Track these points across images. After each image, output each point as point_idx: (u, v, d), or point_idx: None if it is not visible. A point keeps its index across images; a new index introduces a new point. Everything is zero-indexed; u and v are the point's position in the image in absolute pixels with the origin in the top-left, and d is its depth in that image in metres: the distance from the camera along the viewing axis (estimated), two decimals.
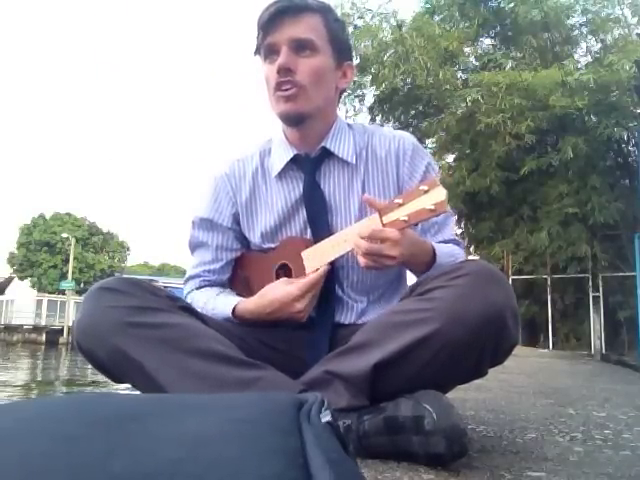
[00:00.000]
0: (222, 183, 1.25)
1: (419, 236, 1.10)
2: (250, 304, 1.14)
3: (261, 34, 1.12)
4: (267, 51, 1.13)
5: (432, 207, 0.96)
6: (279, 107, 1.13)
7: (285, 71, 1.09)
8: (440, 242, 1.17)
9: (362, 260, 1.01)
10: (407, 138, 1.22)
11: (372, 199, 1.06)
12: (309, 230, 1.18)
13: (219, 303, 1.18)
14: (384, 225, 1.00)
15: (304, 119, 1.14)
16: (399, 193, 1.16)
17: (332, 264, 1.11)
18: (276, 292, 1.10)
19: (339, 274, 1.16)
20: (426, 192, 0.97)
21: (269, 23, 1.10)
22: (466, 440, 0.86)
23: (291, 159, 1.18)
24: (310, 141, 1.18)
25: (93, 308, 0.98)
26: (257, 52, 1.17)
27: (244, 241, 1.26)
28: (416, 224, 1.04)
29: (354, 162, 1.18)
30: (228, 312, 1.15)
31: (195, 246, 1.28)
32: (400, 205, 0.99)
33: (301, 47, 1.11)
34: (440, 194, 0.95)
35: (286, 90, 1.10)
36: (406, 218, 0.98)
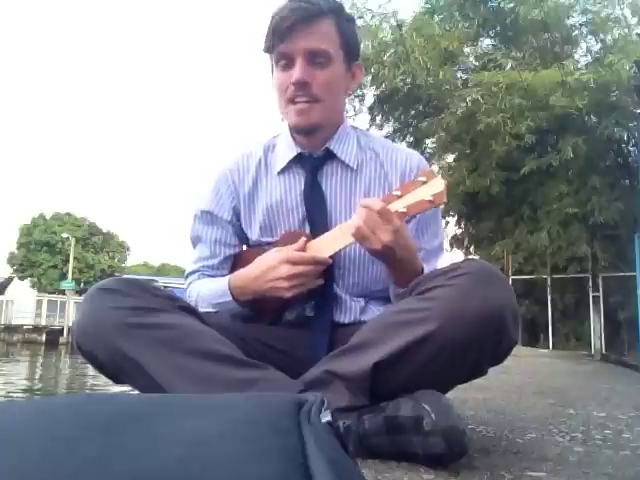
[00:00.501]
0: (224, 177, 1.26)
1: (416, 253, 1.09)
2: (241, 270, 1.16)
3: (274, 39, 1.11)
4: (281, 58, 1.12)
5: (431, 198, 0.96)
6: (292, 118, 1.14)
7: (302, 85, 1.10)
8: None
9: (353, 230, 1.01)
10: (415, 155, 1.24)
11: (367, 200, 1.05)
12: (307, 228, 1.18)
13: (214, 284, 1.20)
14: None
15: (316, 130, 1.16)
16: None
17: (332, 257, 1.11)
18: (266, 255, 1.11)
19: (335, 275, 1.16)
20: (424, 183, 0.97)
21: (284, 30, 1.09)
22: (465, 440, 0.86)
23: (294, 157, 1.19)
24: (316, 143, 1.19)
25: (93, 309, 0.98)
26: (268, 52, 1.16)
27: (243, 238, 1.27)
28: (414, 215, 1.04)
29: (355, 167, 1.19)
30: (224, 284, 1.16)
31: (195, 240, 1.29)
32: (399, 197, 0.99)
33: (316, 58, 1.11)
34: (438, 185, 0.96)
35: (301, 103, 1.11)
36: (404, 210, 0.98)
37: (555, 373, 4.39)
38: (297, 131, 1.18)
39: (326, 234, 1.11)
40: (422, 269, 1.08)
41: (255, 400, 0.44)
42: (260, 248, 1.23)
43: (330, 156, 1.19)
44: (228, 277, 1.18)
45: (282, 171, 1.21)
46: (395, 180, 1.19)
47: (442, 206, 1.10)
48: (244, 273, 1.15)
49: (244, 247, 1.29)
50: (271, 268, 1.08)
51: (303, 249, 1.10)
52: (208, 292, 1.19)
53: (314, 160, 1.19)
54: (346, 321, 1.16)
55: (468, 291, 0.90)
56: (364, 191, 1.18)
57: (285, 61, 1.12)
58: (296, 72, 1.10)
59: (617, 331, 8.88)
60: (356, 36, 1.22)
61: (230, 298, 1.15)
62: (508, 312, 0.91)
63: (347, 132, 1.21)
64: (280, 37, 1.10)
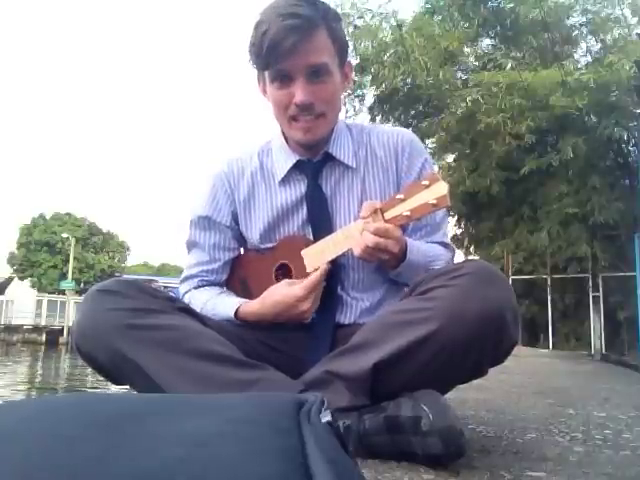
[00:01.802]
0: (220, 181, 1.24)
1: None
2: (253, 306, 1.13)
3: (271, 58, 1.06)
4: (278, 75, 1.09)
5: (434, 202, 0.96)
6: (297, 135, 1.13)
7: (306, 106, 1.09)
8: (428, 243, 1.18)
9: (358, 252, 1.02)
10: (405, 134, 1.23)
11: (369, 203, 1.05)
12: (310, 231, 1.18)
13: (220, 304, 1.18)
14: (386, 221, 1.01)
15: (320, 143, 1.16)
16: (398, 189, 1.16)
17: (333, 263, 1.11)
18: (279, 294, 1.09)
19: (341, 273, 1.16)
20: (427, 187, 0.97)
21: (283, 50, 1.04)
22: (463, 441, 0.86)
23: (294, 164, 1.19)
24: (316, 150, 1.18)
25: (92, 311, 0.98)
26: (261, 69, 1.13)
27: (242, 241, 1.26)
28: (418, 219, 1.04)
29: (354, 165, 1.18)
30: (230, 313, 1.14)
31: (192, 246, 1.27)
32: (402, 201, 1.00)
33: (316, 73, 1.09)
34: (441, 188, 0.96)
35: (305, 122, 1.10)
36: (408, 213, 0.99)
37: (555, 373, 4.39)
38: (302, 147, 1.17)
39: (328, 238, 1.11)
40: (405, 243, 1.07)
41: (255, 400, 0.44)
42: (259, 253, 1.23)
43: (329, 158, 1.18)
44: (235, 307, 1.14)
45: (283, 180, 1.20)
46: (391, 163, 1.19)
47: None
48: (257, 311, 1.12)
49: (242, 250, 1.28)
50: (290, 306, 1.08)
51: (304, 267, 1.11)
52: (213, 313, 1.16)
53: (314, 165, 1.18)
54: (347, 322, 1.16)
55: (468, 291, 0.90)
56: (363, 186, 1.18)
57: (283, 77, 1.09)
58: (299, 94, 1.07)
59: (617, 331, 8.88)
60: (344, 35, 1.20)
61: (237, 323, 1.14)
62: (508, 312, 0.91)
63: (341, 131, 1.21)
64: (277, 57, 1.06)
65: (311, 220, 1.18)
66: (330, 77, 1.11)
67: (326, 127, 1.14)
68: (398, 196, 1.00)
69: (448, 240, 1.25)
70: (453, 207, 9.30)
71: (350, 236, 1.05)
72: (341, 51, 1.15)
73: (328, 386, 0.95)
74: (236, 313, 1.14)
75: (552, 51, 8.16)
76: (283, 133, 1.21)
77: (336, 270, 1.14)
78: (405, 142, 1.20)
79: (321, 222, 1.16)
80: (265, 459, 0.33)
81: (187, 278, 1.28)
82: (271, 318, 1.11)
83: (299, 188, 1.19)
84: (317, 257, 1.11)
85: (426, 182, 0.97)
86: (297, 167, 1.19)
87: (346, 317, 1.16)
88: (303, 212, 1.18)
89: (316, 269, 1.10)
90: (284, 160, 1.20)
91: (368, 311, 1.17)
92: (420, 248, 1.11)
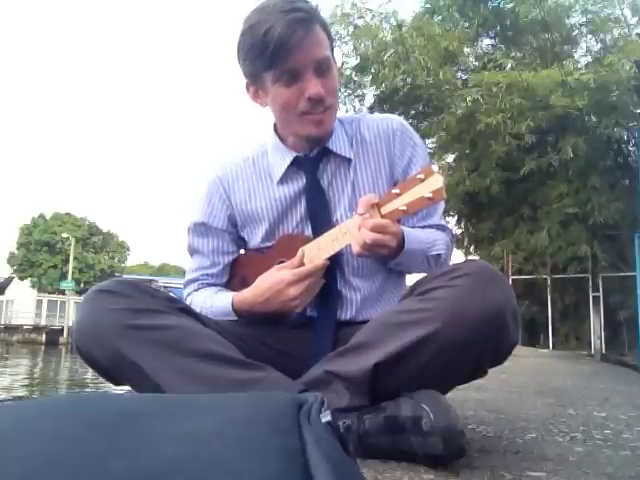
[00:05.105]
0: (215, 186, 1.25)
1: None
2: (246, 294, 1.15)
3: (279, 56, 1.05)
4: (284, 74, 1.08)
5: (430, 195, 0.96)
6: (308, 130, 1.13)
7: (319, 99, 1.09)
8: (425, 227, 1.18)
9: (357, 249, 1.02)
10: (394, 118, 1.24)
11: (365, 198, 1.05)
12: (310, 226, 1.18)
13: (217, 300, 1.19)
14: (382, 216, 1.01)
15: (328, 137, 1.17)
16: (391, 174, 1.18)
17: (331, 258, 1.11)
18: (270, 279, 1.10)
19: (341, 260, 1.16)
20: (422, 181, 0.97)
21: (291, 46, 1.04)
22: (464, 441, 0.86)
23: (291, 161, 1.19)
24: (319, 144, 1.19)
25: (92, 311, 0.98)
26: (265, 69, 1.10)
27: (241, 243, 1.27)
28: (415, 213, 1.04)
29: (351, 156, 1.19)
30: (227, 305, 1.15)
31: (193, 251, 1.29)
32: (398, 195, 0.99)
33: (321, 67, 1.10)
34: (437, 182, 0.96)
35: (317, 114, 1.11)
36: (404, 208, 0.99)
37: (555, 373, 4.39)
38: (312, 142, 1.17)
39: (326, 234, 1.11)
40: (402, 232, 1.06)
41: (255, 400, 0.44)
42: (258, 252, 1.23)
43: (326, 153, 1.19)
44: (231, 298, 1.16)
45: (282, 179, 1.20)
46: (381, 148, 1.19)
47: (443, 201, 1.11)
48: (249, 297, 1.14)
49: (242, 251, 1.29)
50: (279, 292, 1.08)
51: (302, 262, 1.11)
52: (211, 310, 1.18)
53: (311, 160, 1.19)
54: (347, 317, 1.16)
55: (469, 292, 0.90)
56: (355, 176, 1.18)
57: (289, 76, 1.08)
58: (312, 87, 1.08)
59: (617, 331, 8.89)
60: (328, 26, 1.20)
61: (235, 317, 1.15)
62: (509, 313, 0.91)
63: (336, 125, 1.21)
64: (287, 53, 1.05)
65: (310, 214, 1.18)
66: (332, 70, 1.13)
67: (333, 119, 1.16)
68: (394, 191, 1.00)
69: (445, 222, 1.25)
70: (453, 207, 9.31)
71: (348, 232, 1.05)
72: (332, 46, 1.17)
73: (328, 386, 0.95)
74: (232, 305, 1.15)
75: (552, 51, 8.16)
76: (277, 133, 1.21)
77: (336, 260, 1.14)
78: (395, 126, 1.21)
79: (320, 215, 1.17)
80: (265, 459, 0.33)
81: (189, 282, 1.30)
82: (262, 305, 1.11)
83: (297, 184, 1.19)
84: (315, 254, 1.11)
85: (421, 176, 0.97)
86: (294, 164, 1.19)
87: (346, 313, 1.16)
88: (302, 207, 1.18)
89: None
90: (281, 159, 1.20)
91: (368, 302, 1.17)
92: (417, 236, 1.11)
